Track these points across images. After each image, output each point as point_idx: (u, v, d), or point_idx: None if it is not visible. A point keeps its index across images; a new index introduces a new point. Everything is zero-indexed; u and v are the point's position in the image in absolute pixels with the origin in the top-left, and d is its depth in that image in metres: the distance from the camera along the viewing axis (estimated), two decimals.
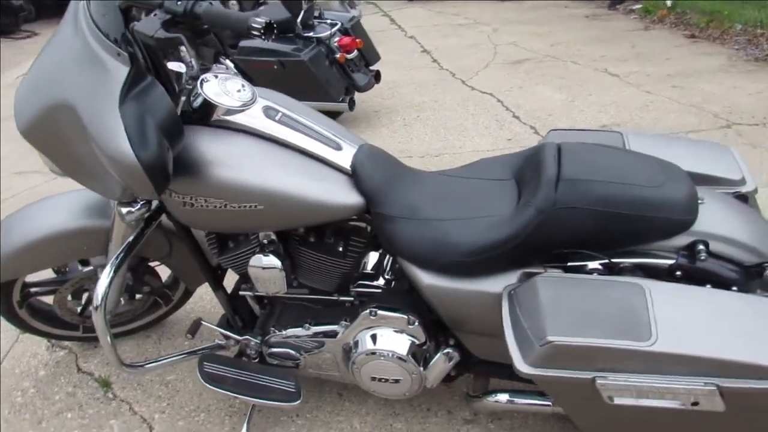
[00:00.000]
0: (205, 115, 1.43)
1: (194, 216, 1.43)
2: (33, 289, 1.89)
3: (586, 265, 1.34)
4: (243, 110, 1.42)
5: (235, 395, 1.62)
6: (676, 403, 1.16)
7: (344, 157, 1.47)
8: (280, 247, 1.57)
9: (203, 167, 1.36)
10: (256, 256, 1.54)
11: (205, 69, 4.10)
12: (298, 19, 3.72)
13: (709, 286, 1.28)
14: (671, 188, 1.30)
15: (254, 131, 1.42)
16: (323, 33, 3.77)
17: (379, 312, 1.52)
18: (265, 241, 1.56)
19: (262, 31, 1.17)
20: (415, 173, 1.55)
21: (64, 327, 2.01)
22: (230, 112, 1.41)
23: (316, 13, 3.94)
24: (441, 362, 1.53)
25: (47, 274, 1.90)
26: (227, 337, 1.76)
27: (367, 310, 1.53)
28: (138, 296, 2.00)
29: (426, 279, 1.43)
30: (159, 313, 2.12)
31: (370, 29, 6.83)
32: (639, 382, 1.14)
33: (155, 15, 1.19)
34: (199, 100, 1.41)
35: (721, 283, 1.29)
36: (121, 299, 1.94)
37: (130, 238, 1.54)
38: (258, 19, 1.17)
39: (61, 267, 1.90)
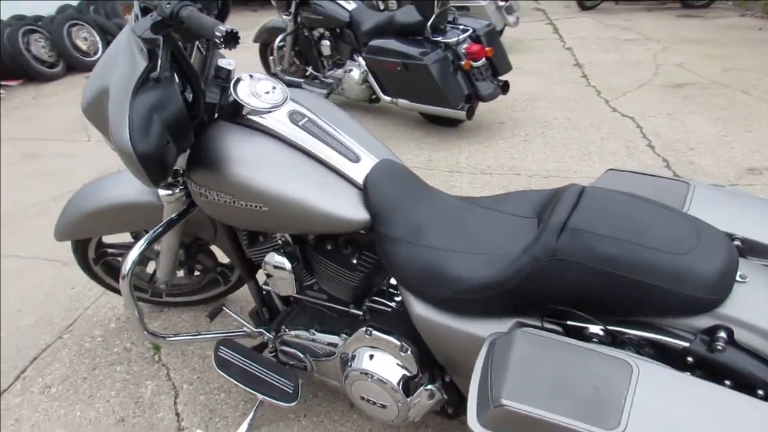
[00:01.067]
0: (235, 113, 1.49)
1: (209, 207, 1.50)
2: (108, 250, 2.11)
3: (587, 328, 1.17)
4: (268, 112, 1.45)
5: (236, 383, 1.67)
6: None
7: (359, 171, 1.43)
8: (296, 249, 1.58)
9: (220, 162, 1.41)
10: (271, 254, 1.57)
11: (341, 64, 4.23)
12: (428, 23, 3.71)
13: (728, 383, 1.06)
14: (699, 258, 1.09)
15: (274, 134, 1.44)
16: (452, 39, 3.71)
17: (374, 332, 1.47)
18: (280, 242, 1.58)
19: (221, 40, 1.17)
20: (433, 196, 1.47)
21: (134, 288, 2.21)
22: (255, 112, 1.45)
23: (450, 18, 3.89)
24: (422, 398, 1.45)
25: (125, 237, 2.11)
26: (248, 327, 1.82)
27: (364, 328, 1.49)
28: (196, 273, 2.15)
29: (417, 308, 1.35)
30: (218, 290, 2.25)
31: (525, 37, 6.62)
32: None
33: (151, 16, 1.25)
34: (231, 99, 1.47)
35: (742, 382, 1.06)
36: (180, 273, 2.09)
37: (172, 216, 1.65)
38: (221, 28, 1.17)
39: (135, 234, 2.09)
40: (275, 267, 1.56)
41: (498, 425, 1.06)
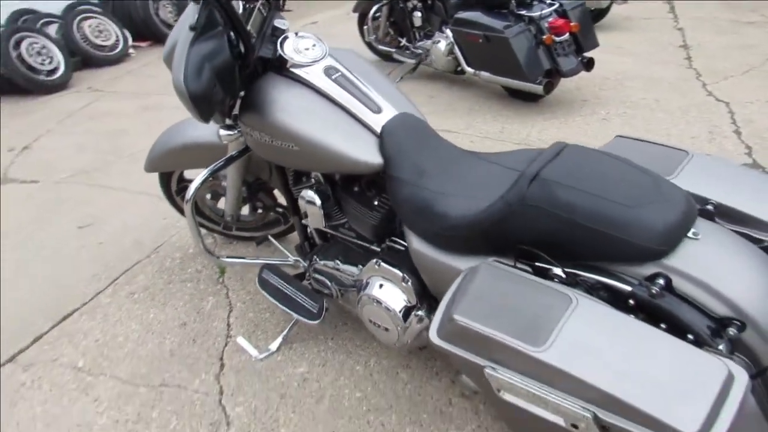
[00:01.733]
0: (281, 66, 1.73)
1: (254, 145, 1.76)
2: (186, 183, 2.47)
3: (551, 270, 1.31)
4: (307, 66, 1.68)
5: (272, 300, 1.95)
6: (557, 419, 1.12)
7: (379, 120, 1.63)
8: (327, 188, 1.81)
9: (263, 106, 1.66)
10: (305, 190, 1.81)
11: (431, 35, 4.40)
12: None
13: (663, 326, 1.17)
14: (651, 212, 1.18)
15: (310, 85, 1.67)
16: (536, 12, 3.74)
17: (382, 264, 1.68)
18: (314, 181, 1.82)
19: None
20: (442, 147, 1.63)
21: (208, 220, 2.57)
22: (296, 66, 1.68)
23: None
24: (413, 322, 1.63)
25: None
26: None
27: (374, 260, 1.70)
28: (259, 211, 2.45)
29: (414, 243, 1.54)
30: (279, 229, 2.54)
31: (636, 16, 6.37)
32: (524, 384, 1.13)
33: None
34: (278, 54, 1.71)
35: (676, 326, 1.15)
36: (245, 211, 2.40)
37: (232, 154, 1.94)
38: None
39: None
40: (308, 202, 1.80)
41: (450, 337, 1.24)
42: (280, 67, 1.73)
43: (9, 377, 2.02)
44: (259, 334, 2.11)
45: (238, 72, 1.64)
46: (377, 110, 1.65)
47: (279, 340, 2.03)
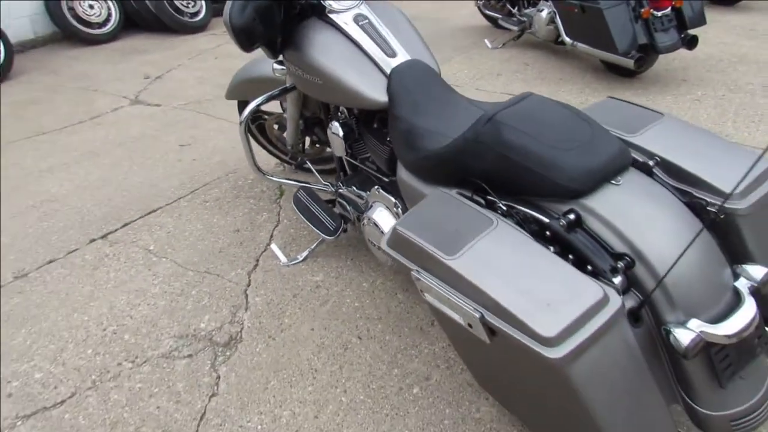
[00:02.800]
0: (320, 11, 1.98)
1: (294, 79, 2.04)
2: (260, 114, 2.83)
3: (496, 202, 1.47)
4: (340, 12, 1.92)
5: (299, 214, 2.26)
6: (459, 318, 1.31)
7: (391, 63, 1.83)
8: (352, 123, 2.06)
9: (300, 44, 1.93)
10: (333, 122, 2.07)
11: (536, 3, 4.41)
12: None
13: (571, 257, 1.30)
14: (576, 156, 1.30)
15: (339, 28, 1.90)
16: None
17: (381, 191, 1.91)
18: (339, 113, 2.07)
19: None
20: (441, 93, 1.80)
21: (276, 148, 2.92)
22: (331, 11, 1.93)
23: None
24: None
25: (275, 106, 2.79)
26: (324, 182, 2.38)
27: (376, 187, 1.93)
28: (317, 145, 2.75)
29: (401, 172, 1.75)
30: (333, 164, 2.85)
31: None
32: (437, 287, 1.33)
33: None
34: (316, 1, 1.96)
35: (580, 258, 1.28)
36: (304, 142, 2.72)
37: (286, 86, 2.24)
38: None
39: (281, 104, 2.76)
40: (332, 133, 2.07)
41: (393, 244, 1.46)
42: (320, 12, 1.98)
43: (98, 249, 2.53)
44: (293, 246, 2.44)
45: (284, 14, 1.92)
46: (392, 54, 1.85)
47: (305, 252, 2.35)
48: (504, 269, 1.23)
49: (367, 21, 1.91)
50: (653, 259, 1.22)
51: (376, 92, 1.81)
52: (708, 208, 1.33)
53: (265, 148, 2.97)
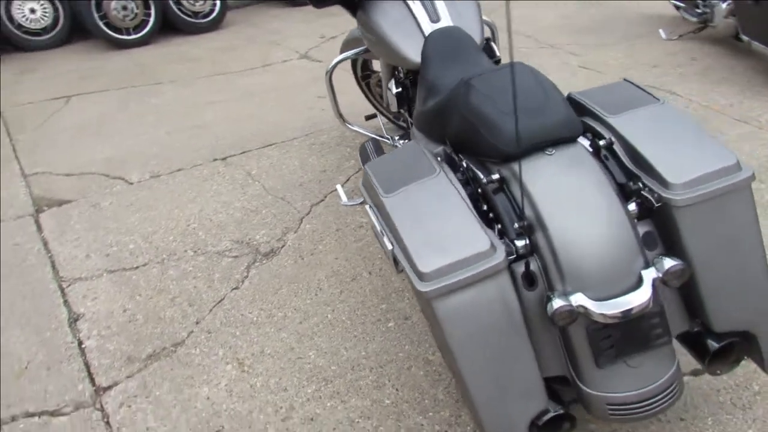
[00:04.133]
0: None
1: (363, 37, 2.27)
2: (368, 72, 3.11)
3: (455, 158, 1.58)
4: None
5: (360, 164, 2.51)
6: (386, 248, 1.47)
7: (432, 27, 1.98)
8: (407, 82, 2.24)
9: (364, 4, 2.16)
10: (390, 79, 2.27)
11: None
12: None
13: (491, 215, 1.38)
14: (521, 123, 1.36)
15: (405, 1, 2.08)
16: None
17: (401, 141, 2.08)
18: (396, 71, 2.26)
19: None
20: (470, 57, 1.89)
21: (380, 104, 3.19)
22: None
23: None
24: None
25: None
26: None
27: (404, 140, 2.10)
28: None
29: (413, 128, 1.91)
30: None
31: None
32: (374, 219, 1.51)
33: None
34: None
35: (497, 218, 1.36)
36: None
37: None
38: None
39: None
40: (387, 88, 2.27)
41: (363, 183, 1.65)
42: None
43: (215, 167, 3.06)
44: (357, 192, 2.71)
45: None
46: (436, 19, 1.99)
47: (362, 198, 2.60)
48: (420, 212, 1.36)
49: None
50: (552, 230, 1.24)
51: (411, 53, 1.97)
52: (643, 193, 1.31)
53: (371, 103, 3.25)
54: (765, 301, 1.31)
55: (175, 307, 2.07)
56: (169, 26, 5.71)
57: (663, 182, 1.26)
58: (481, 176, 1.43)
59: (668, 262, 1.21)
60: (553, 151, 1.33)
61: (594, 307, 1.17)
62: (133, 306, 2.09)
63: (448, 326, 1.21)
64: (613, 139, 1.40)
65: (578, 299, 1.18)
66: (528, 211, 1.30)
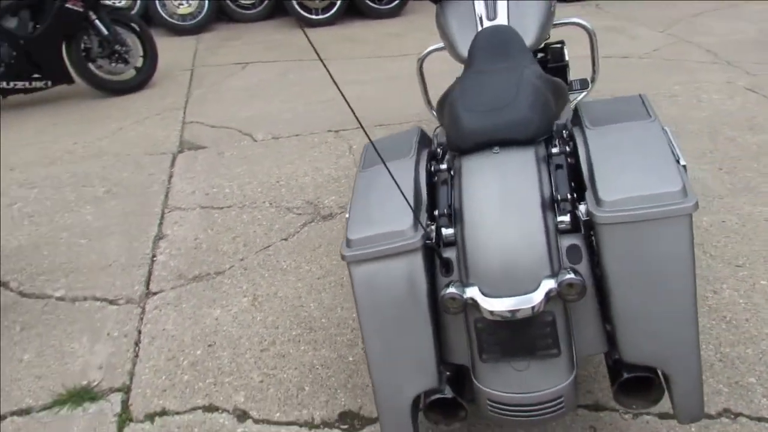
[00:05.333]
0: None
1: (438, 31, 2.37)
2: None
3: (439, 149, 1.64)
4: None
5: None
6: None
7: (485, 24, 2.02)
8: None
9: (441, 3, 2.25)
10: None
11: None
12: None
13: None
14: (473, 119, 1.39)
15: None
16: None
17: None
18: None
19: None
20: (509, 55, 1.89)
21: None
22: None
23: None
24: None
25: None
26: None
27: None
28: None
29: None
30: None
31: None
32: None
33: None
34: None
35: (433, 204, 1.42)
36: None
37: None
38: None
39: None
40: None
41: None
42: None
43: (326, 137, 3.37)
44: None
45: None
46: (492, 17, 2.03)
47: None
48: (373, 188, 1.48)
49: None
50: (466, 223, 1.28)
51: (462, 48, 2.05)
52: (579, 206, 1.28)
53: None
54: (682, 343, 1.21)
55: (232, 243, 2.42)
56: (355, 10, 6.20)
57: (596, 197, 1.23)
58: (434, 165, 1.50)
59: (565, 275, 1.18)
60: (499, 150, 1.36)
61: (482, 301, 1.20)
62: (204, 236, 2.48)
63: (358, 291, 1.32)
64: (579, 149, 1.37)
65: (472, 292, 1.21)
66: (456, 203, 1.35)
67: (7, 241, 2.56)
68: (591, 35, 2.47)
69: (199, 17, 6.13)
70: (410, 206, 1.26)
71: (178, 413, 1.65)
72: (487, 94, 1.45)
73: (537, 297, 1.17)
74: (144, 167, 3.18)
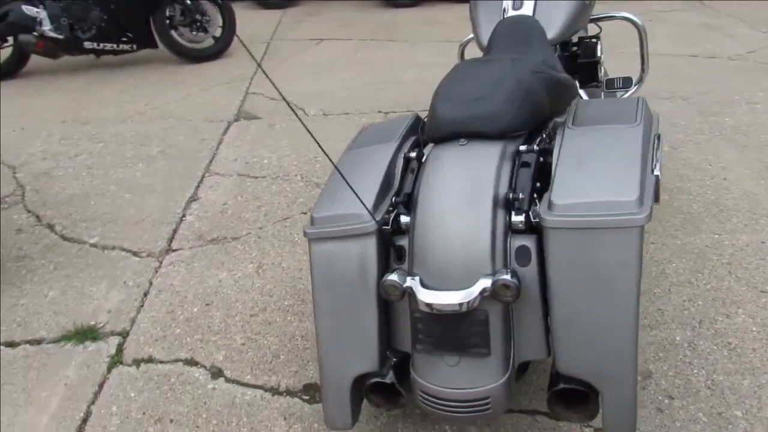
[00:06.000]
0: None
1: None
2: None
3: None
4: None
5: None
6: None
7: (509, 14, 1.96)
8: None
9: None
10: None
11: None
12: None
13: None
14: (447, 109, 1.37)
15: None
16: None
17: None
18: None
19: None
20: (525, 48, 1.83)
21: None
22: None
23: None
24: None
25: None
26: None
27: None
28: None
29: None
30: None
31: None
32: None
33: None
34: None
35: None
36: None
37: None
38: None
39: None
40: None
41: None
42: None
43: (373, 118, 3.40)
44: None
45: None
46: (518, 7, 1.96)
47: None
48: (348, 170, 1.49)
49: None
50: (419, 212, 1.27)
51: (484, 37, 2.00)
52: (519, 204, 1.25)
53: None
54: (617, 361, 1.15)
55: (255, 212, 2.52)
56: None
57: (549, 200, 1.19)
58: (409, 153, 1.48)
59: (501, 275, 1.16)
60: (465, 142, 1.34)
61: (418, 292, 1.19)
62: (232, 203, 2.60)
63: (315, 268, 1.36)
64: (555, 148, 1.32)
65: (412, 281, 1.21)
66: (416, 192, 1.35)
67: (64, 189, 2.80)
68: (640, 31, 2.33)
69: None
70: (355, 193, 1.26)
71: (161, 362, 1.76)
72: (468, 85, 1.42)
73: (469, 294, 1.16)
74: (200, 132, 3.36)
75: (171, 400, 1.63)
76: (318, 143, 1.33)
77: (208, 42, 4.65)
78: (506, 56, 1.52)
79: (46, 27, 4.14)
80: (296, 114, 1.37)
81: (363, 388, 1.35)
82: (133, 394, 1.66)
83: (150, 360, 1.78)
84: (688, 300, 1.85)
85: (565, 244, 1.16)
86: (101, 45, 4.32)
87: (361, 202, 1.26)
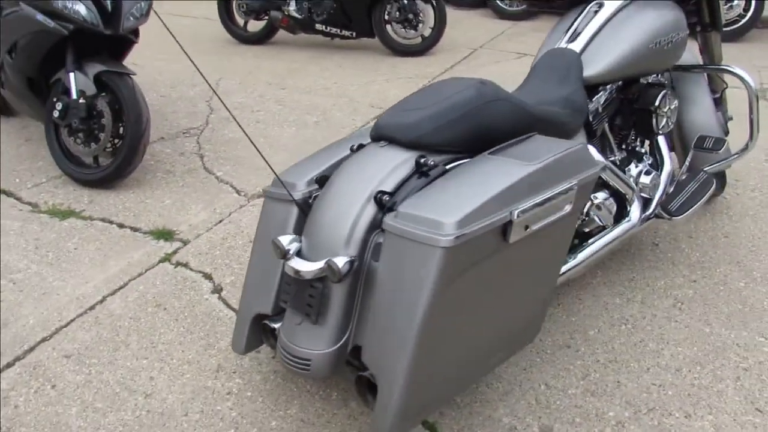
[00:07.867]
0: None
1: None
2: None
3: None
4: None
5: None
6: None
7: (562, 45, 1.96)
8: None
9: None
10: None
11: None
12: None
13: None
14: (392, 115, 1.53)
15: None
16: None
17: None
18: None
19: None
20: (556, 79, 1.83)
21: None
22: None
23: None
24: None
25: None
26: None
27: None
28: None
29: None
30: None
31: None
32: None
33: None
34: None
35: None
36: None
37: None
38: None
39: None
40: None
41: None
42: None
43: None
44: None
45: None
46: (572, 40, 1.95)
47: None
48: (334, 149, 1.73)
49: (596, 10, 2.00)
50: (321, 192, 1.51)
51: (534, 60, 2.05)
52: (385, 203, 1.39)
53: None
54: (393, 357, 1.25)
55: None
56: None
57: (398, 208, 1.34)
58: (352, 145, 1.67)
59: (334, 258, 1.34)
60: (384, 144, 1.52)
61: (288, 255, 1.44)
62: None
63: (259, 220, 1.68)
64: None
65: (291, 244, 1.46)
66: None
67: (230, 132, 3.51)
68: (749, 89, 2.08)
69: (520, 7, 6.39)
70: (271, 168, 1.54)
71: (190, 269, 2.25)
72: (421, 97, 1.57)
73: (308, 267, 1.36)
74: (357, 114, 3.82)
75: (174, 296, 2.10)
76: (259, 151, 1.62)
77: (416, 39, 5.10)
78: (475, 79, 1.61)
79: (292, 7, 5.02)
80: (237, 122, 1.67)
81: (261, 326, 1.63)
82: (158, 283, 2.17)
83: (185, 265, 2.28)
84: None
85: (392, 248, 1.30)
86: (329, 28, 5.06)
87: (278, 177, 1.55)
